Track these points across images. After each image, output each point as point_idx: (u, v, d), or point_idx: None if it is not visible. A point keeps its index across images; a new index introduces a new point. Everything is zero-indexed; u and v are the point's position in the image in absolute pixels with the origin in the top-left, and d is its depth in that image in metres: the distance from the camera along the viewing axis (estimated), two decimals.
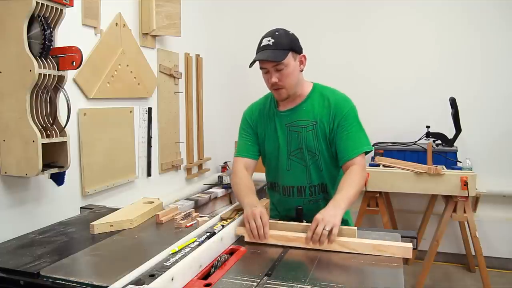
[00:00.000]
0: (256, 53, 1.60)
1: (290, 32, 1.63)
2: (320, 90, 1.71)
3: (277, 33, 1.58)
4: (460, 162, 3.15)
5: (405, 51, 3.49)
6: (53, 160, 1.78)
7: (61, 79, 1.74)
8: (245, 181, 1.68)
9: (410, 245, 1.29)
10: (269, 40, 1.56)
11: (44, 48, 1.64)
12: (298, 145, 1.68)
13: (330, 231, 1.34)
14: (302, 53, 1.64)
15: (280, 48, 1.55)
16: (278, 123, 1.71)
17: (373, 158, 3.18)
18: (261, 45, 1.58)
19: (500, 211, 3.33)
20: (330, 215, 1.38)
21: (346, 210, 1.74)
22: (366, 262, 1.25)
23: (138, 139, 2.66)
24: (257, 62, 1.60)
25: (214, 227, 1.45)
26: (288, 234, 1.41)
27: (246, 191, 1.63)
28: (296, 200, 1.71)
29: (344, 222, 1.74)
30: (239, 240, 1.46)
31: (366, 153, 1.66)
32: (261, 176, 1.97)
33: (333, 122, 1.64)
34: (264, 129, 1.76)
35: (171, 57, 2.99)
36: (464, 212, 2.86)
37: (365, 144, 1.64)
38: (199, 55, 3.39)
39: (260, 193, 3.39)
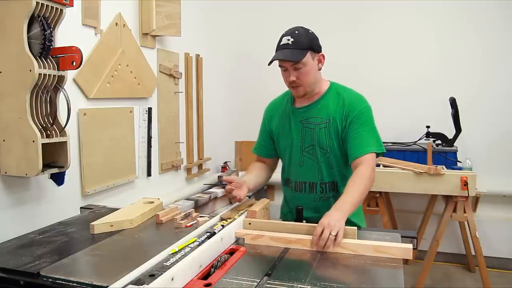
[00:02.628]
0: (276, 51, 1.64)
1: (310, 31, 1.66)
2: (337, 89, 1.74)
3: (296, 32, 1.61)
4: (460, 162, 3.15)
5: (405, 51, 3.49)
6: (53, 160, 1.78)
7: (61, 79, 1.74)
8: (251, 169, 1.88)
9: (410, 245, 1.29)
10: (288, 40, 1.59)
11: (44, 48, 1.64)
12: (311, 142, 1.71)
13: (336, 235, 1.33)
14: (321, 52, 1.67)
15: (299, 47, 1.59)
16: (293, 119, 1.75)
17: None
18: (281, 43, 1.62)
19: (500, 211, 3.33)
20: (335, 220, 1.37)
21: (359, 214, 1.77)
22: (366, 262, 1.25)
23: (138, 139, 2.66)
24: (268, 59, 1.64)
25: (214, 227, 1.44)
26: (288, 236, 1.40)
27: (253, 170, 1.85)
28: (307, 196, 1.74)
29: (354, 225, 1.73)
30: (239, 240, 1.46)
31: (378, 155, 1.65)
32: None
33: (345, 120, 1.66)
34: (280, 126, 1.81)
35: (171, 57, 2.99)
36: (464, 212, 2.86)
37: (375, 145, 1.64)
38: (199, 55, 3.39)
39: (259, 193, 3.40)
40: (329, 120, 1.68)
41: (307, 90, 1.68)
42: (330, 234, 1.33)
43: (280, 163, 1.92)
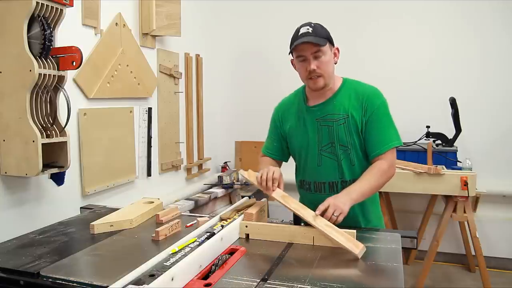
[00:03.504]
0: (293, 41, 1.60)
1: (324, 26, 1.65)
2: (351, 84, 1.71)
3: (313, 24, 1.60)
4: (460, 162, 3.15)
5: (405, 51, 3.49)
6: (53, 160, 1.78)
7: (61, 79, 1.74)
8: (267, 163, 1.77)
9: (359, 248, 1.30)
10: (308, 29, 1.58)
11: (44, 48, 1.64)
12: (330, 140, 1.66)
13: (337, 217, 1.42)
14: (334, 45, 1.66)
15: (319, 36, 1.58)
16: (308, 118, 1.70)
17: None
18: (300, 33, 1.58)
19: (500, 211, 3.33)
20: (341, 202, 1.44)
21: (379, 217, 1.78)
22: (366, 262, 1.25)
23: (138, 139, 2.66)
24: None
25: (214, 227, 1.44)
26: (299, 210, 1.46)
27: (267, 165, 1.69)
28: (328, 196, 1.63)
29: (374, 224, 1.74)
30: (239, 240, 1.46)
31: (397, 147, 1.67)
32: None
33: (365, 116, 1.63)
34: (291, 125, 1.75)
35: (171, 57, 2.99)
36: (464, 212, 2.86)
37: (395, 139, 1.64)
38: (199, 55, 3.39)
39: (258, 194, 3.40)
40: (347, 116, 1.63)
41: (327, 82, 1.63)
42: (333, 214, 1.41)
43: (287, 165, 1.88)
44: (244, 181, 3.37)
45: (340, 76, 1.74)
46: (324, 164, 1.68)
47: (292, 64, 1.71)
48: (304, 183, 1.77)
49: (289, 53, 1.65)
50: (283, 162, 1.87)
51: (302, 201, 1.78)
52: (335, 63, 1.67)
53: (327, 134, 1.66)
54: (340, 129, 1.64)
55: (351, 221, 1.54)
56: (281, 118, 1.79)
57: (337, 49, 1.66)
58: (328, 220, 1.41)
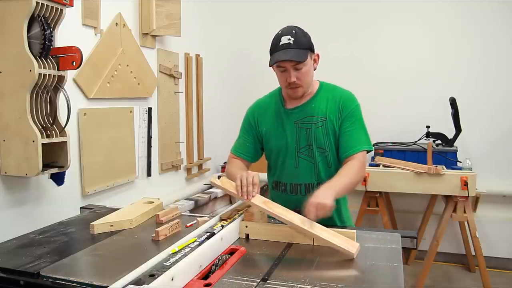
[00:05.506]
0: (274, 51, 1.59)
1: (305, 31, 1.64)
2: (328, 88, 1.73)
3: (294, 32, 1.58)
4: (460, 162, 3.15)
5: (405, 51, 3.49)
6: (53, 160, 1.78)
7: (61, 79, 1.74)
8: (238, 166, 1.74)
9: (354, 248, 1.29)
10: (289, 39, 1.56)
11: (44, 48, 1.64)
12: (307, 142, 1.68)
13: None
14: (315, 52, 1.66)
15: (301, 47, 1.56)
16: (286, 121, 1.71)
17: (373, 158, 3.18)
18: (281, 43, 1.57)
19: (500, 211, 3.33)
20: (321, 198, 1.40)
21: (349, 216, 1.78)
22: (366, 262, 1.25)
23: (138, 139, 2.66)
24: (268, 60, 1.60)
25: (214, 227, 1.44)
26: (285, 214, 1.42)
27: (239, 171, 1.63)
28: (304, 198, 1.63)
29: (343, 222, 1.75)
30: (239, 240, 1.46)
31: (367, 152, 1.68)
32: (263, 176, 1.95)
33: (340, 118, 1.66)
34: (269, 127, 1.76)
35: (171, 57, 2.99)
36: (464, 212, 2.86)
37: (366, 143, 1.66)
38: (199, 55, 3.39)
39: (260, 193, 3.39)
40: (325, 119, 1.66)
41: (305, 91, 1.67)
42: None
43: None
44: None
45: (316, 80, 1.75)
46: (301, 166, 1.70)
47: (270, 65, 1.68)
48: (280, 184, 1.77)
49: (270, 65, 1.62)
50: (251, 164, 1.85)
51: (274, 201, 1.79)
52: (315, 69, 1.68)
53: (305, 136, 1.68)
54: (318, 132, 1.66)
55: (328, 221, 1.51)
56: (257, 119, 1.80)
57: (317, 55, 1.67)
58: (315, 219, 1.37)
